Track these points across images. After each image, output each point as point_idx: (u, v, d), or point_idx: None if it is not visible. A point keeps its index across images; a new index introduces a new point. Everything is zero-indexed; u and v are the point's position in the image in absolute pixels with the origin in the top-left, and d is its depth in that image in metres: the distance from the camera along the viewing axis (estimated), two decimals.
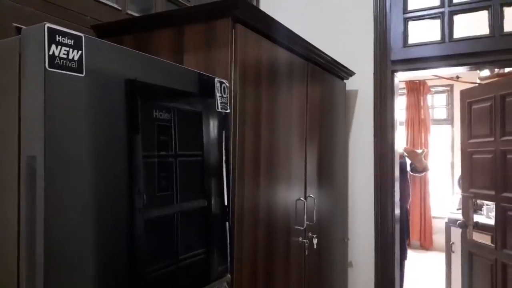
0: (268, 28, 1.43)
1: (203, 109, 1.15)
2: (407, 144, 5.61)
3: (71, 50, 0.75)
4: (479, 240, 2.75)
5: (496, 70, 3.47)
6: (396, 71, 2.37)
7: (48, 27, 0.72)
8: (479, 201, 3.15)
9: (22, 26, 1.10)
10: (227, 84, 1.22)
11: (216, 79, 1.18)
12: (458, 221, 2.90)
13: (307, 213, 1.71)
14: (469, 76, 4.92)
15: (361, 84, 2.41)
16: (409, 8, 2.34)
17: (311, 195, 1.81)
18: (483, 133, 2.65)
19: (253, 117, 1.37)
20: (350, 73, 2.32)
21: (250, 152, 1.35)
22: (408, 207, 3.17)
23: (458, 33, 2.21)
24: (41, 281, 0.70)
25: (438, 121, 5.82)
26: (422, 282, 4.30)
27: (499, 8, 2.11)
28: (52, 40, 0.72)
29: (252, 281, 1.36)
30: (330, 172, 2.13)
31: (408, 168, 3.14)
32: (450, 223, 3.38)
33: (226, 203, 1.22)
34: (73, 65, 0.75)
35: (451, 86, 5.67)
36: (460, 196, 3.25)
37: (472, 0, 2.18)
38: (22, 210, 0.74)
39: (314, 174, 1.88)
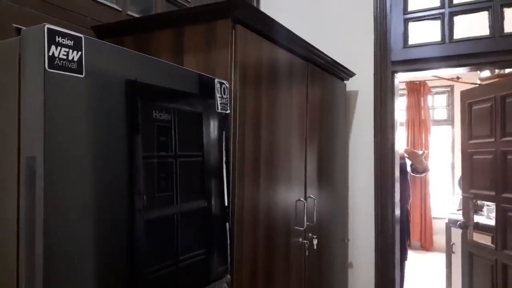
0: (268, 29, 1.43)
1: (203, 110, 1.15)
2: (407, 145, 5.61)
3: (70, 51, 0.75)
4: (480, 241, 2.75)
5: (497, 71, 3.47)
6: (396, 71, 2.37)
7: (48, 28, 0.72)
8: (479, 202, 3.14)
9: (22, 27, 1.10)
10: (227, 85, 1.22)
11: (216, 80, 1.18)
12: (459, 222, 2.89)
13: (307, 213, 1.71)
14: (470, 77, 4.91)
15: (361, 84, 2.41)
16: (410, 9, 2.34)
17: (311, 196, 1.80)
18: (484, 133, 2.65)
19: (253, 117, 1.37)
20: (350, 74, 2.32)
21: (250, 152, 1.35)
22: (409, 208, 3.17)
23: (458, 34, 2.21)
24: (40, 281, 0.70)
25: (438, 122, 5.82)
26: (422, 282, 4.29)
27: (499, 9, 2.11)
28: (52, 41, 0.72)
29: (252, 282, 1.36)
30: (330, 172, 2.13)
31: (409, 169, 3.14)
32: (451, 223, 3.38)
33: (226, 203, 1.22)
34: (73, 66, 0.75)
35: (452, 86, 5.67)
36: (461, 197, 3.25)
37: (472, 1, 2.18)
38: (21, 211, 0.74)
39: (314, 175, 1.88)
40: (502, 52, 2.09)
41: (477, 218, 2.91)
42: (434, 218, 5.58)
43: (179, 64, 1.28)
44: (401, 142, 3.12)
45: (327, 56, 1.93)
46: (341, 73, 2.23)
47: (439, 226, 5.20)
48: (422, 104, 5.68)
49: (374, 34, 2.36)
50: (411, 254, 3.63)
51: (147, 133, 0.95)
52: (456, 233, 3.16)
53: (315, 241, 1.82)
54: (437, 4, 2.27)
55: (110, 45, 0.87)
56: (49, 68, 0.71)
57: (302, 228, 1.69)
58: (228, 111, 1.23)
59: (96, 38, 0.87)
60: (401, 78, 2.57)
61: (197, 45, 1.31)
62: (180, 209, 1.06)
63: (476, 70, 2.87)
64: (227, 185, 1.22)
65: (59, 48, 0.73)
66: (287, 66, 1.63)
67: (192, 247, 1.10)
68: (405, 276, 2.90)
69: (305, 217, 1.69)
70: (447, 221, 3.48)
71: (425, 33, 2.29)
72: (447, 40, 2.22)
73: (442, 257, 3.62)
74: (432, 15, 2.28)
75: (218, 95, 1.18)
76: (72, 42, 0.75)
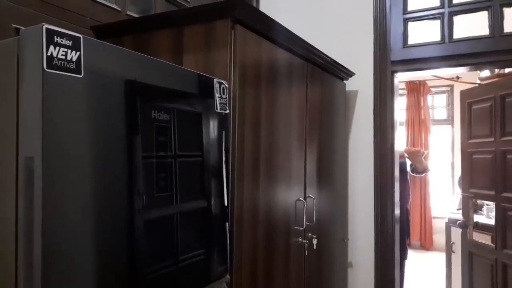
0: (267, 28, 1.43)
1: (203, 110, 1.15)
2: (407, 144, 5.61)
3: (69, 51, 0.75)
4: (479, 240, 2.75)
5: (496, 70, 3.47)
6: (396, 71, 2.36)
7: (46, 28, 0.72)
8: (479, 201, 3.14)
9: (21, 27, 1.10)
10: (226, 85, 1.22)
11: (215, 80, 1.18)
12: (458, 221, 2.89)
13: (307, 213, 1.71)
14: (469, 77, 4.91)
15: (361, 84, 2.41)
16: (409, 8, 2.34)
17: (311, 196, 1.80)
18: (483, 133, 2.65)
19: (252, 117, 1.37)
20: (349, 74, 2.32)
21: (250, 152, 1.35)
22: (408, 207, 3.17)
23: (458, 34, 2.21)
24: (38, 281, 0.70)
25: (438, 122, 5.82)
26: (422, 282, 4.29)
27: (499, 9, 2.11)
28: (50, 41, 0.72)
29: (251, 282, 1.36)
30: (330, 172, 2.12)
31: (409, 169, 3.14)
32: (450, 223, 3.38)
33: (225, 203, 1.22)
34: (71, 66, 0.75)
35: (451, 86, 5.67)
36: (460, 196, 3.25)
37: (472, 1, 2.18)
38: (20, 211, 0.74)
39: (313, 175, 1.87)
40: (502, 52, 2.09)
41: (477, 218, 2.91)
42: (434, 217, 5.58)
43: (179, 64, 1.28)
44: (401, 142, 3.12)
45: (327, 56, 1.93)
46: (341, 73, 2.23)
47: (439, 225, 5.20)
48: (422, 104, 5.68)
49: (374, 34, 2.36)
50: (411, 253, 3.63)
51: (146, 133, 0.95)
52: (456, 233, 3.16)
53: (314, 241, 1.82)
54: (437, 4, 2.27)
55: (109, 45, 0.87)
56: (47, 68, 0.71)
57: (301, 228, 1.69)
58: (227, 111, 1.23)
59: (95, 38, 0.87)
60: (401, 78, 2.57)
61: (196, 45, 1.31)
62: (180, 209, 1.06)
63: (475, 70, 2.88)
64: (226, 185, 1.22)
65: (57, 48, 0.73)
66: (287, 66, 1.63)
67: (191, 247, 1.10)
68: (405, 276, 2.90)
69: (304, 217, 1.69)
70: (447, 221, 3.48)
71: (424, 33, 2.29)
72: (446, 40, 2.22)
73: (442, 256, 3.62)
74: (432, 15, 2.28)
75: (217, 95, 1.18)
76: (71, 42, 0.75)
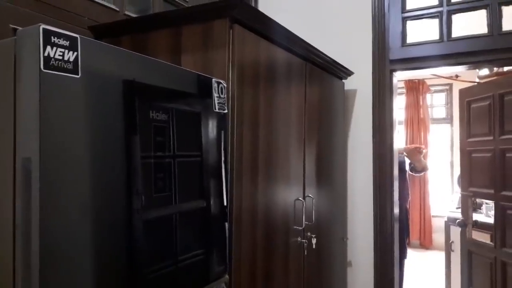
0: (266, 28, 1.43)
1: (201, 110, 1.14)
2: (406, 143, 5.61)
3: (66, 51, 0.74)
4: (479, 239, 2.75)
5: (495, 69, 3.47)
6: (395, 70, 2.36)
7: (43, 28, 0.71)
8: (478, 200, 3.14)
9: (18, 27, 1.09)
10: (224, 85, 1.22)
11: (213, 80, 1.18)
12: (458, 220, 2.90)
13: (306, 213, 1.71)
14: (468, 75, 4.91)
15: (360, 83, 2.41)
16: (408, 7, 2.34)
17: (310, 195, 1.80)
18: (482, 132, 2.65)
19: (251, 117, 1.36)
20: (348, 73, 2.32)
21: (248, 152, 1.35)
22: (408, 207, 3.16)
23: (456, 32, 2.21)
24: (36, 282, 0.70)
25: (437, 120, 5.83)
26: (422, 281, 4.30)
27: (497, 7, 2.11)
28: (47, 41, 0.72)
29: (250, 282, 1.36)
30: (329, 172, 2.12)
31: (408, 168, 3.14)
32: (450, 222, 3.38)
33: (224, 203, 1.22)
34: (69, 66, 0.75)
35: (450, 85, 5.67)
36: (460, 195, 3.25)
37: None
38: (17, 211, 0.74)
39: (312, 174, 1.87)
40: (501, 50, 2.09)
41: (476, 216, 2.91)
42: (433, 216, 5.58)
43: (177, 64, 1.27)
44: (400, 141, 3.12)
45: (326, 55, 1.93)
46: (340, 72, 2.23)
47: (438, 224, 5.20)
48: (421, 103, 5.68)
49: (373, 33, 2.36)
50: (410, 252, 3.63)
51: (145, 134, 0.94)
52: (455, 231, 3.16)
53: (314, 241, 1.82)
54: (435, 2, 2.27)
55: (107, 45, 0.87)
56: (44, 68, 0.71)
57: (300, 228, 1.69)
58: (226, 111, 1.22)
59: (93, 39, 0.87)
60: (400, 77, 2.57)
61: (194, 45, 1.31)
62: (179, 209, 1.06)
63: (474, 69, 2.88)
64: (225, 185, 1.22)
65: (54, 48, 0.72)
66: (285, 65, 1.63)
67: (190, 247, 1.10)
68: (404, 275, 2.90)
69: (303, 217, 1.69)
70: (446, 220, 3.48)
71: (423, 31, 2.29)
72: (445, 38, 2.22)
73: (442, 255, 3.63)
74: (430, 13, 2.28)
75: (215, 94, 1.18)
76: (68, 42, 0.75)
